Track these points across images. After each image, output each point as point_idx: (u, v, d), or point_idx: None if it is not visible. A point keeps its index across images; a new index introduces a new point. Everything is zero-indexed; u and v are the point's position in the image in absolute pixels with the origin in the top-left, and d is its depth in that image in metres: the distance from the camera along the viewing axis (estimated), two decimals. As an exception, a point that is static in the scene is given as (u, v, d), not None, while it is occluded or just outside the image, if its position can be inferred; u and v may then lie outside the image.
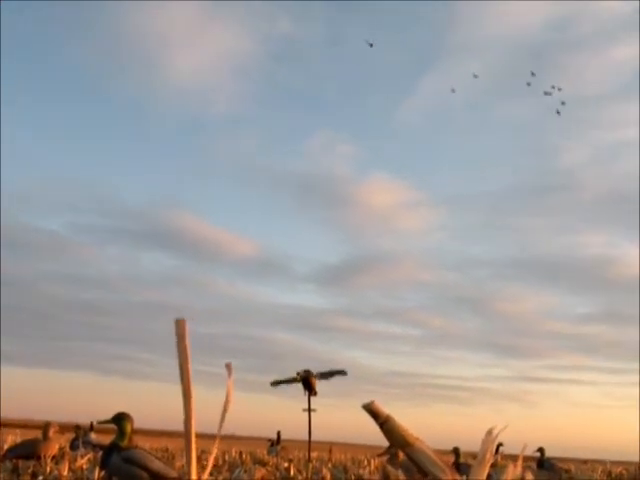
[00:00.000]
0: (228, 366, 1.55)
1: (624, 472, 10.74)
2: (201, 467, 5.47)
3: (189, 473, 1.35)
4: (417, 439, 2.34)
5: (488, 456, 1.91)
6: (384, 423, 2.34)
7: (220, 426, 1.51)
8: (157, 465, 4.29)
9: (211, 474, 5.69)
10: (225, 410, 1.52)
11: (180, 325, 1.47)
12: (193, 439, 1.39)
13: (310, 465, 8.30)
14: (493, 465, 5.53)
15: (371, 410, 2.36)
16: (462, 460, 8.30)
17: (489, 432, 1.96)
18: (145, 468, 4.24)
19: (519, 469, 1.79)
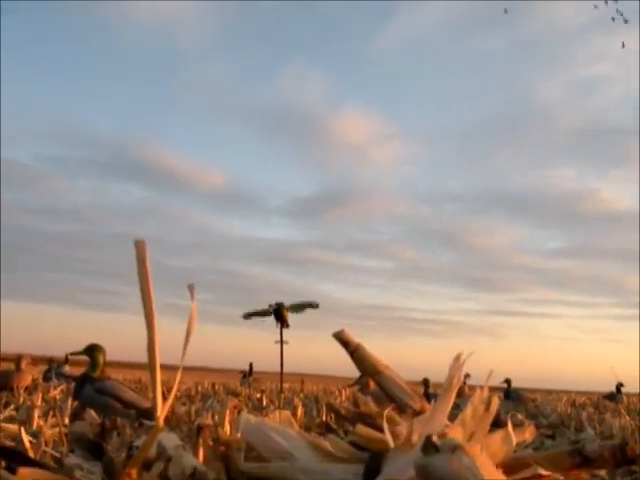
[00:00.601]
0: (190, 288, 1.51)
1: (587, 401, 11.07)
2: (173, 397, 5.47)
3: (154, 397, 1.34)
4: (387, 367, 2.38)
5: (455, 381, 1.94)
6: (354, 351, 2.37)
7: (185, 347, 1.47)
8: (130, 395, 4.31)
9: (184, 404, 5.75)
10: (189, 333, 1.48)
11: (140, 247, 1.42)
12: (157, 362, 1.38)
13: (282, 396, 8.43)
14: (459, 395, 5.64)
15: (341, 338, 2.38)
16: (431, 391, 8.48)
17: (456, 358, 1.98)
18: (118, 398, 4.26)
19: (486, 393, 1.82)
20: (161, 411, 1.37)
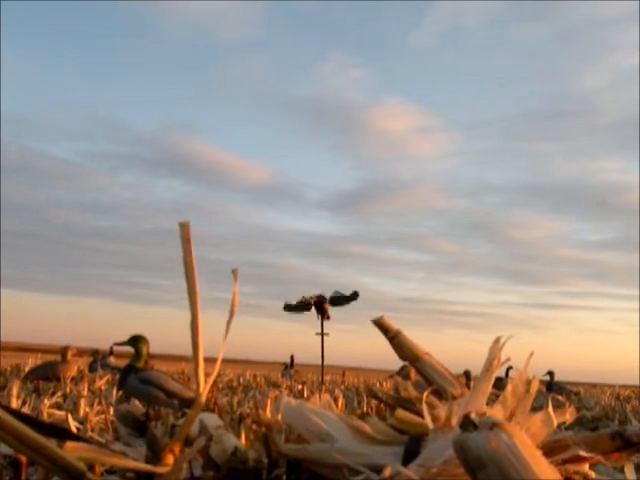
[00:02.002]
0: (234, 272, 1.54)
1: (631, 394, 10.90)
2: (216, 388, 5.53)
3: (195, 374, 1.37)
4: (426, 353, 2.38)
5: (495, 363, 1.93)
6: (394, 337, 2.37)
7: (227, 328, 1.48)
8: (173, 385, 4.38)
9: (226, 395, 5.81)
10: (231, 315, 1.50)
11: (184, 228, 1.44)
12: (200, 341, 1.40)
13: (323, 387, 8.46)
14: (502, 388, 5.57)
15: (381, 325, 2.39)
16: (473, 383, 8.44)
17: (496, 340, 1.98)
18: (161, 388, 4.34)
19: (525, 376, 1.81)
20: (203, 389, 1.40)
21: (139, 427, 2.23)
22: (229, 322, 1.51)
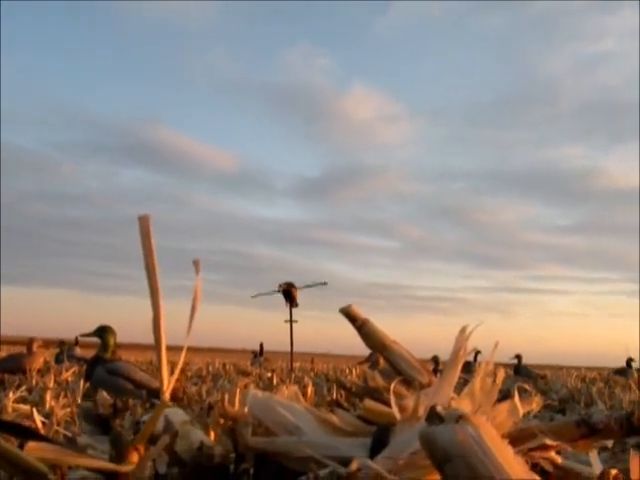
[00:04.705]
0: (196, 263, 1.50)
1: (597, 377, 11.07)
2: (184, 377, 5.47)
3: (159, 372, 1.35)
4: (394, 342, 2.37)
5: (461, 353, 1.94)
6: (362, 326, 2.37)
7: (190, 323, 1.45)
8: (141, 376, 4.34)
9: (195, 384, 5.78)
10: (194, 308, 1.47)
11: (144, 222, 1.41)
12: (162, 337, 1.38)
13: (293, 374, 8.46)
14: (469, 372, 5.61)
15: (348, 313, 2.38)
16: (441, 368, 8.51)
17: (462, 330, 1.98)
18: (129, 379, 4.29)
19: (492, 365, 1.82)
20: (167, 386, 1.37)
21: (103, 424, 2.20)
22: (191, 317, 1.49)
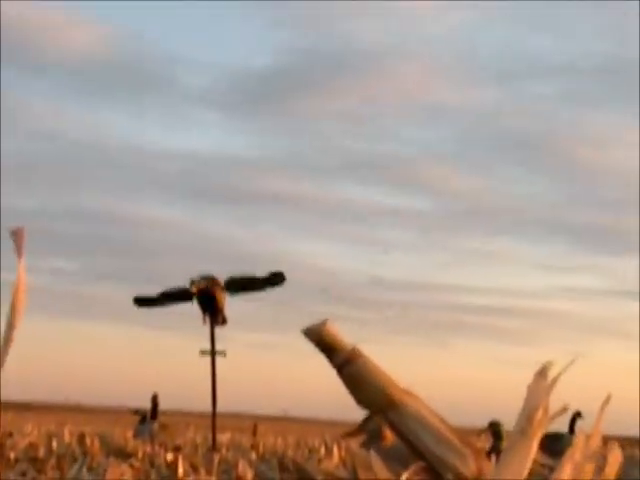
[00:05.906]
0: (16, 233, 1.03)
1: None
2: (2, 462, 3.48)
3: None
4: (409, 394, 1.38)
5: (539, 416, 1.08)
6: (345, 363, 1.32)
7: (8, 337, 0.99)
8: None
9: (21, 475, 3.73)
10: (15, 311, 1.00)
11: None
12: None
13: (217, 458, 4.74)
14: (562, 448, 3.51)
15: (320, 339, 1.30)
16: (506, 444, 6.45)
17: (542, 370, 1.12)
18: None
19: (597, 440, 1.01)
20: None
21: None
22: (10, 329, 0.89)
